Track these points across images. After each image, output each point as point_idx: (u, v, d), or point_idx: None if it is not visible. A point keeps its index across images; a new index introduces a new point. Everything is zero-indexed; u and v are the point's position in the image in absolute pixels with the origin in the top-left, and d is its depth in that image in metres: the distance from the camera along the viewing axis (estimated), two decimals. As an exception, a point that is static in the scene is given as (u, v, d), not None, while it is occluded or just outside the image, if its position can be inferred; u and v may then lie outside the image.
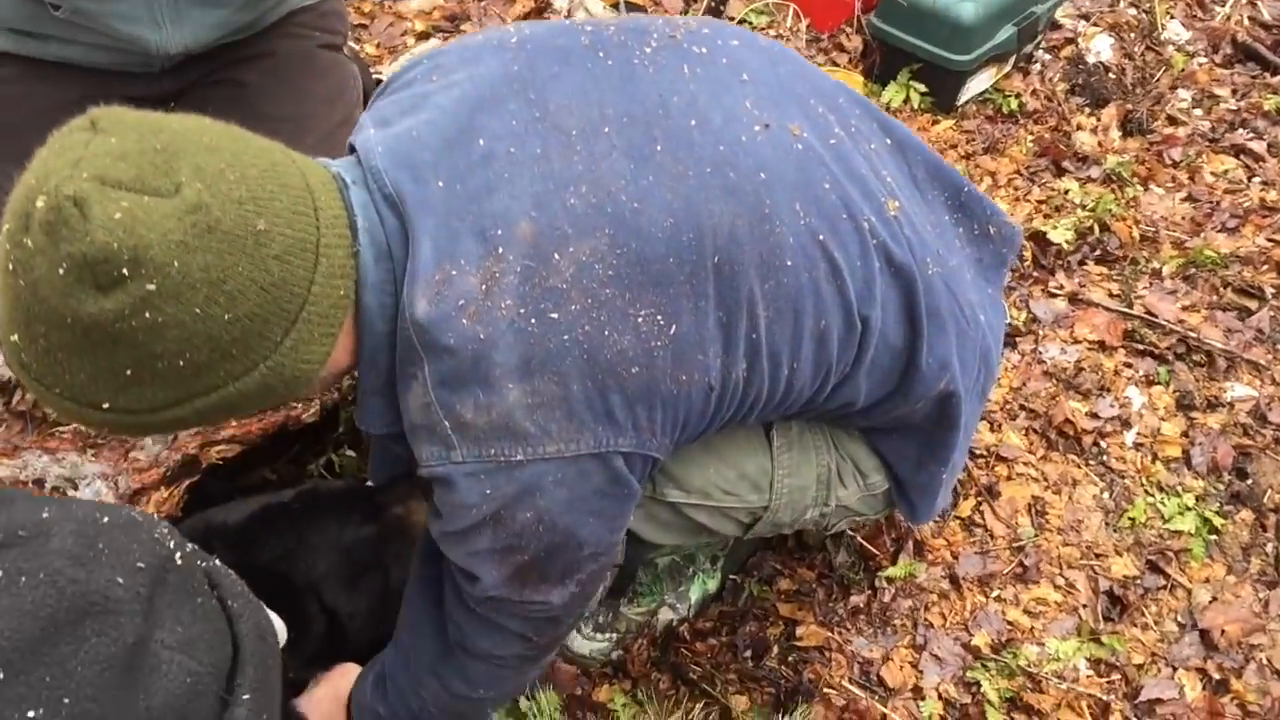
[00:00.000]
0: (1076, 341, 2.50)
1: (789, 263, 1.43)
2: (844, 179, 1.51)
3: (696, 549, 2.11)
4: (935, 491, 1.79)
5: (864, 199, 1.52)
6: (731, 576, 2.16)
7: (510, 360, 1.29)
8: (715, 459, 1.67)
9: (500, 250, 1.29)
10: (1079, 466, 2.28)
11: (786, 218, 1.43)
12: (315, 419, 2.31)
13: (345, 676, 1.83)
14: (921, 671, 2.01)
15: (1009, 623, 2.07)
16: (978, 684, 1.98)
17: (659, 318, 1.35)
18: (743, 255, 1.39)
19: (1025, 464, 2.27)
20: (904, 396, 1.63)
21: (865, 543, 2.15)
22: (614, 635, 2.10)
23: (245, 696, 0.81)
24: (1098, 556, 2.16)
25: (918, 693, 1.98)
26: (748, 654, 2.04)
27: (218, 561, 0.91)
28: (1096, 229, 2.75)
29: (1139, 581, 2.13)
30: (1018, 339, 2.51)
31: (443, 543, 1.45)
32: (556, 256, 1.30)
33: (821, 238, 1.46)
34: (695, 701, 1.98)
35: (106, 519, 0.80)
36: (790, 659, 2.03)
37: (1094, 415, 2.36)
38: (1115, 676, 2.00)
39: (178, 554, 0.82)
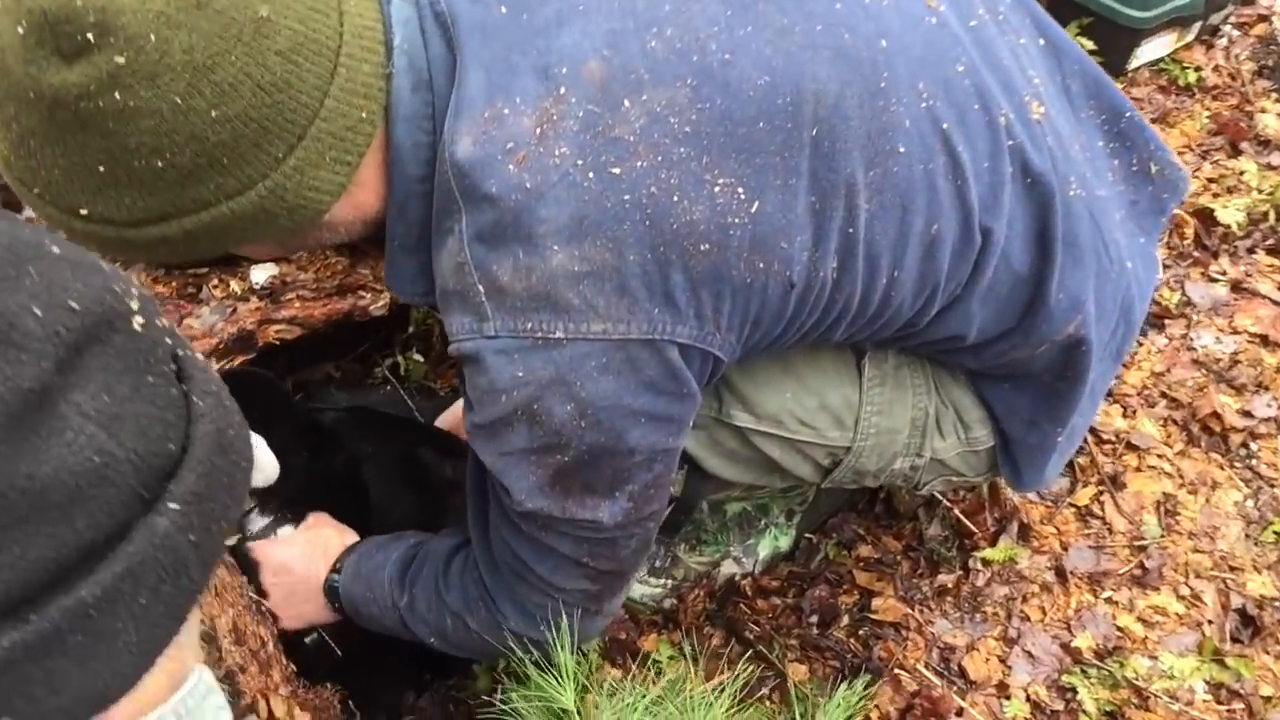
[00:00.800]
0: (1235, 332, 2.20)
1: (901, 149, 1.21)
2: (982, 66, 1.28)
3: (770, 499, 1.90)
4: (1046, 456, 1.54)
5: (1004, 93, 1.29)
6: (807, 535, 1.94)
7: (558, 217, 1.10)
8: (794, 383, 1.46)
9: (562, 91, 1.11)
10: (1222, 468, 1.99)
11: (905, 96, 1.21)
12: (384, 313, 2.16)
13: (341, 537, 1.65)
14: (1010, 667, 1.76)
15: (1119, 628, 1.80)
16: (1074, 690, 1.72)
17: (739, 190, 1.14)
18: (848, 131, 1.18)
19: (1159, 456, 2.00)
20: (1025, 336, 1.40)
21: (963, 517, 1.91)
22: (669, 582, 1.91)
23: (174, 506, 0.64)
24: (1232, 569, 1.88)
25: (1002, 689, 1.73)
26: (814, 619, 1.82)
27: (200, 357, 0.75)
28: (1272, 216, 2.43)
29: (1278, 604, 1.84)
30: (1166, 321, 2.22)
31: (475, 440, 1.26)
32: (626, 104, 1.11)
33: (945, 126, 1.24)
34: (748, 664, 1.77)
35: (58, 249, 0.63)
36: (861, 632, 1.80)
37: (1247, 414, 2.06)
38: (1237, 705, 1.72)
39: (138, 319, 0.66)
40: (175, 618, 0.66)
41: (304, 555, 1.64)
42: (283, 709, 1.39)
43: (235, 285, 2.13)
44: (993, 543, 1.89)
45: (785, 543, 1.94)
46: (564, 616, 1.39)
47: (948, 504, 1.92)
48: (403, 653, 1.93)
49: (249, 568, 1.71)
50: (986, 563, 1.86)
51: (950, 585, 1.85)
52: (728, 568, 1.92)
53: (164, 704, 0.70)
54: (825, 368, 1.47)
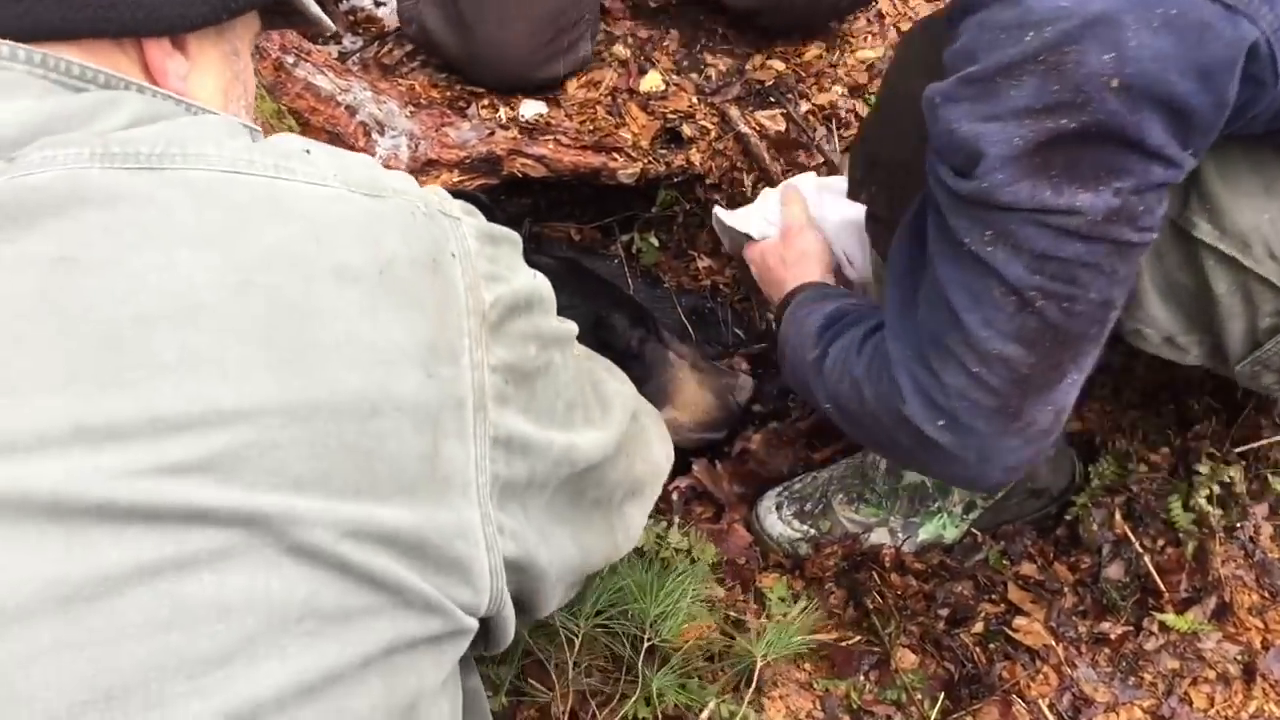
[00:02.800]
0: None
1: None
2: None
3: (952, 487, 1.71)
4: None
5: None
6: (973, 531, 1.75)
7: None
8: (1277, 206, 1.21)
9: None
10: None
11: None
12: (632, 182, 2.14)
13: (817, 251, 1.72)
14: (1147, 745, 1.52)
15: (1296, 754, 1.52)
16: (1213, 796, 1.47)
17: None
18: None
19: None
20: None
21: (1155, 570, 1.66)
22: (812, 531, 1.77)
23: None
24: None
25: (1128, 763, 1.50)
26: (944, 613, 1.63)
27: None
28: None
29: None
30: None
31: (949, 107, 1.07)
32: None
33: None
34: (857, 632, 1.62)
35: None
36: (991, 646, 1.61)
37: None
38: None
39: None
40: None
41: (778, 266, 1.73)
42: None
43: (503, 112, 2.16)
44: (1180, 610, 1.63)
45: (951, 534, 1.75)
46: (971, 414, 1.20)
47: (1141, 549, 1.67)
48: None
49: None
50: (1165, 628, 1.61)
51: (1113, 636, 1.61)
52: (878, 536, 1.76)
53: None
54: None
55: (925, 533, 1.75)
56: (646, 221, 2.28)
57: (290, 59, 1.93)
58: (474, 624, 0.80)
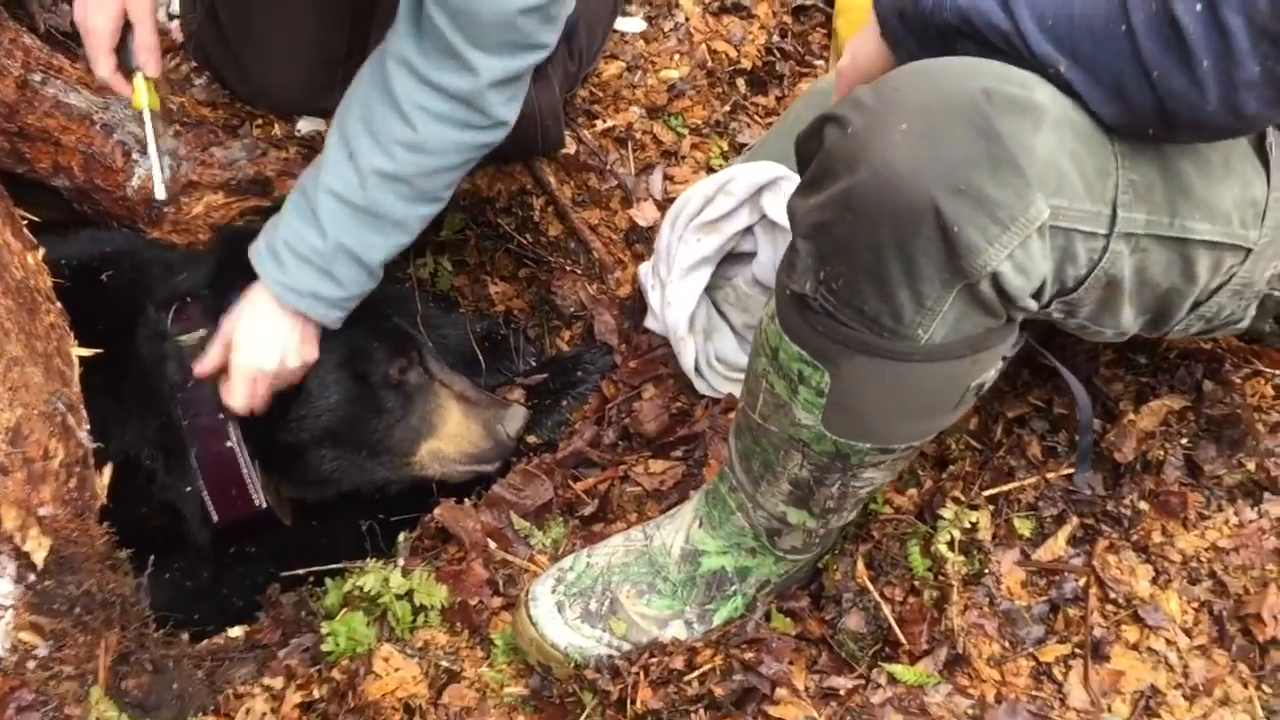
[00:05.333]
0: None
1: None
2: None
3: (755, 566, 1.61)
4: None
5: None
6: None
7: None
8: (1235, 176, 1.26)
9: None
10: (1245, 684, 1.58)
11: None
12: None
13: None
14: (861, 806, 1.46)
15: (1017, 815, 1.46)
16: None
17: None
18: None
19: (1168, 643, 1.60)
20: None
21: (896, 622, 1.60)
22: (607, 636, 1.58)
23: None
24: (1199, 807, 1.48)
25: (835, 826, 1.44)
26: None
27: None
28: None
29: None
30: (1271, 496, 1.78)
31: None
32: None
33: None
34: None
35: None
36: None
37: (1312, 632, 1.62)
38: None
39: None
40: None
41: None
42: (15, 522, 1.32)
43: (278, 129, 2.09)
44: (913, 660, 1.57)
45: (743, 607, 1.64)
46: None
47: (880, 599, 1.61)
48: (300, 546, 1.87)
49: None
50: (892, 680, 1.55)
51: (843, 691, 1.56)
52: (674, 630, 1.61)
53: None
54: (1232, 149, 1.25)
55: (719, 617, 1.63)
56: (440, 245, 2.21)
57: (37, 76, 1.85)
58: None
